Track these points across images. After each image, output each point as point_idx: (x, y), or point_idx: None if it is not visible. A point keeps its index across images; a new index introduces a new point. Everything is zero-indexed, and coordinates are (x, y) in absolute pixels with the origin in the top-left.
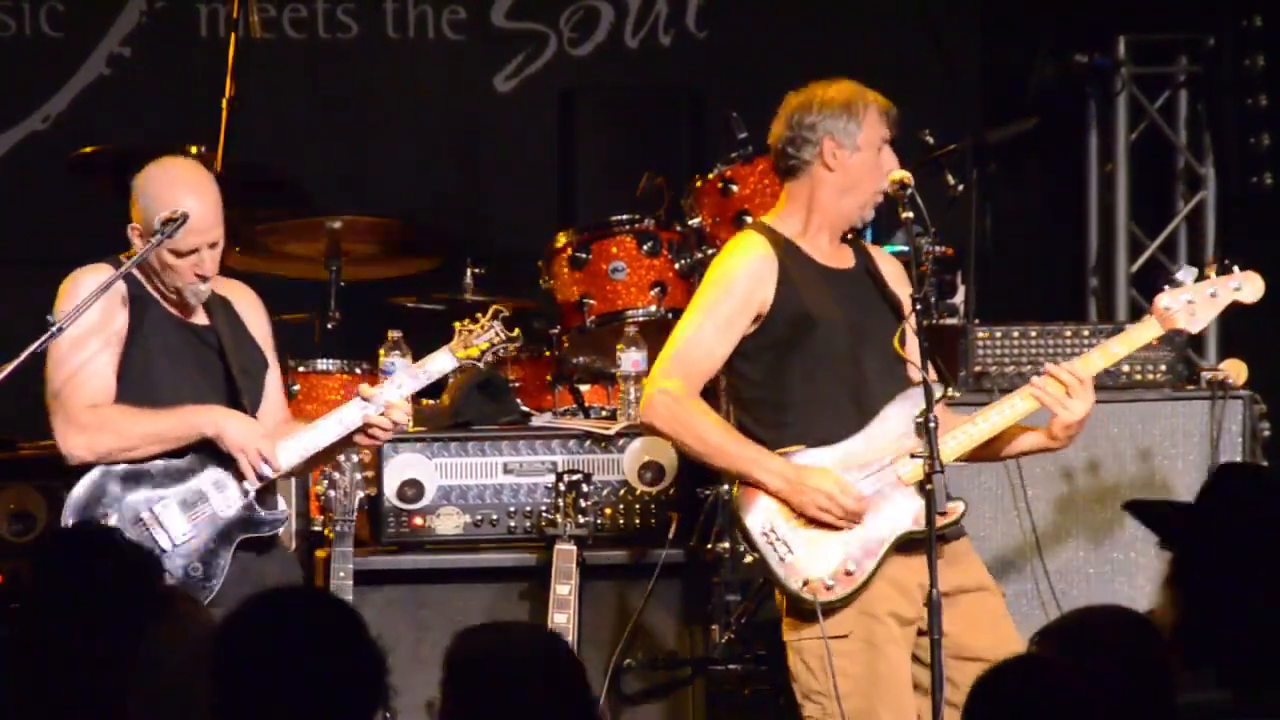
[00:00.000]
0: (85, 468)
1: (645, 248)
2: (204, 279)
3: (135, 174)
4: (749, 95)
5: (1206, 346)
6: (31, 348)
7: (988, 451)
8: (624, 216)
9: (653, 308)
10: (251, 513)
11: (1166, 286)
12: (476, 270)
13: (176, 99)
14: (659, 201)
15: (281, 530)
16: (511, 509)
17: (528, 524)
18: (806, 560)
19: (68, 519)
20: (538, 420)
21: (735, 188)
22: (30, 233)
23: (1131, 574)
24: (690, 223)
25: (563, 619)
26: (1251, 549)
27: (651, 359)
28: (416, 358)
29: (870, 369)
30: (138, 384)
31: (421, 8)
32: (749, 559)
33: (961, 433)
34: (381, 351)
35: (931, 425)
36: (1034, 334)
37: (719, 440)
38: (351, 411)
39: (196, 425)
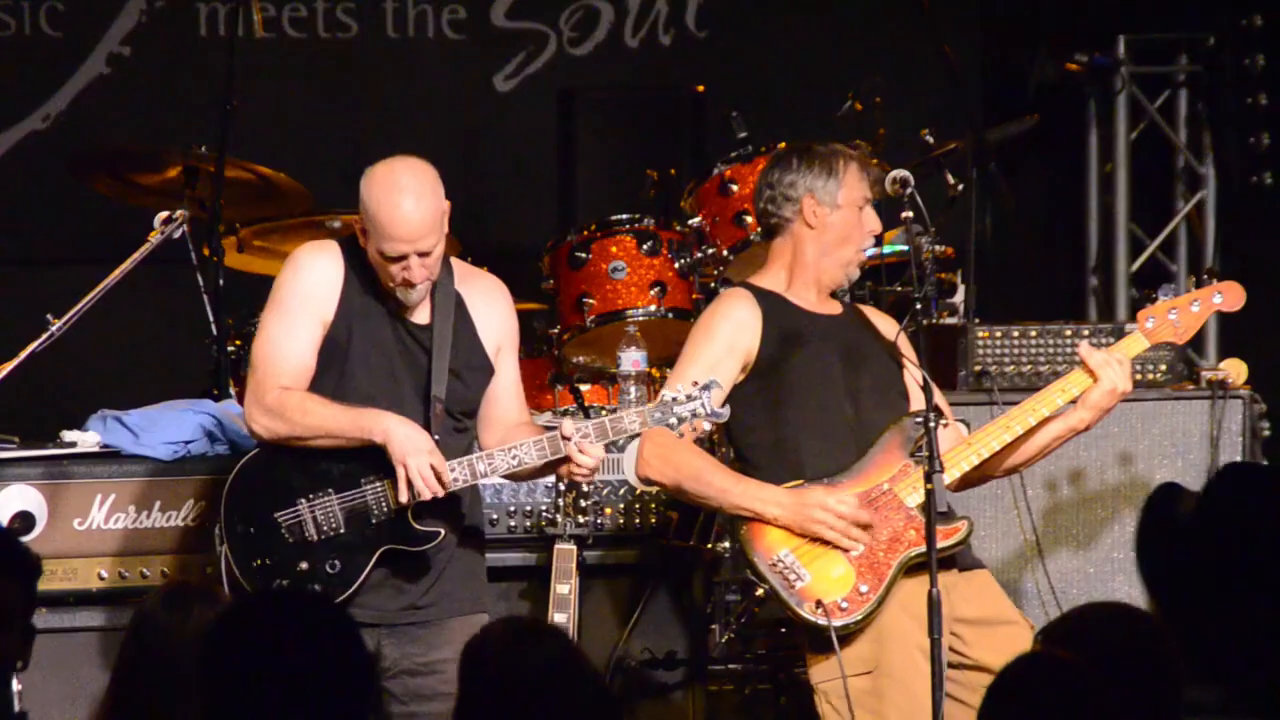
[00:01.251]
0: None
1: (645, 247)
2: (411, 285)
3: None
4: (749, 95)
5: (1206, 346)
6: (31, 347)
7: (1018, 456)
8: (624, 216)
9: (652, 307)
10: (403, 525)
11: (1148, 304)
12: None
13: (176, 99)
14: (663, 197)
15: (430, 547)
16: (511, 509)
17: (528, 524)
18: (817, 584)
19: (231, 488)
20: (538, 420)
21: (735, 187)
22: (30, 233)
23: (1131, 574)
24: (690, 222)
25: (563, 619)
26: (1257, 548)
27: (651, 358)
28: None
29: (865, 402)
30: (334, 372)
31: (421, 7)
32: (760, 592)
33: (1016, 423)
34: None
35: (932, 425)
36: (1034, 334)
37: (715, 479)
38: (528, 450)
39: (366, 429)
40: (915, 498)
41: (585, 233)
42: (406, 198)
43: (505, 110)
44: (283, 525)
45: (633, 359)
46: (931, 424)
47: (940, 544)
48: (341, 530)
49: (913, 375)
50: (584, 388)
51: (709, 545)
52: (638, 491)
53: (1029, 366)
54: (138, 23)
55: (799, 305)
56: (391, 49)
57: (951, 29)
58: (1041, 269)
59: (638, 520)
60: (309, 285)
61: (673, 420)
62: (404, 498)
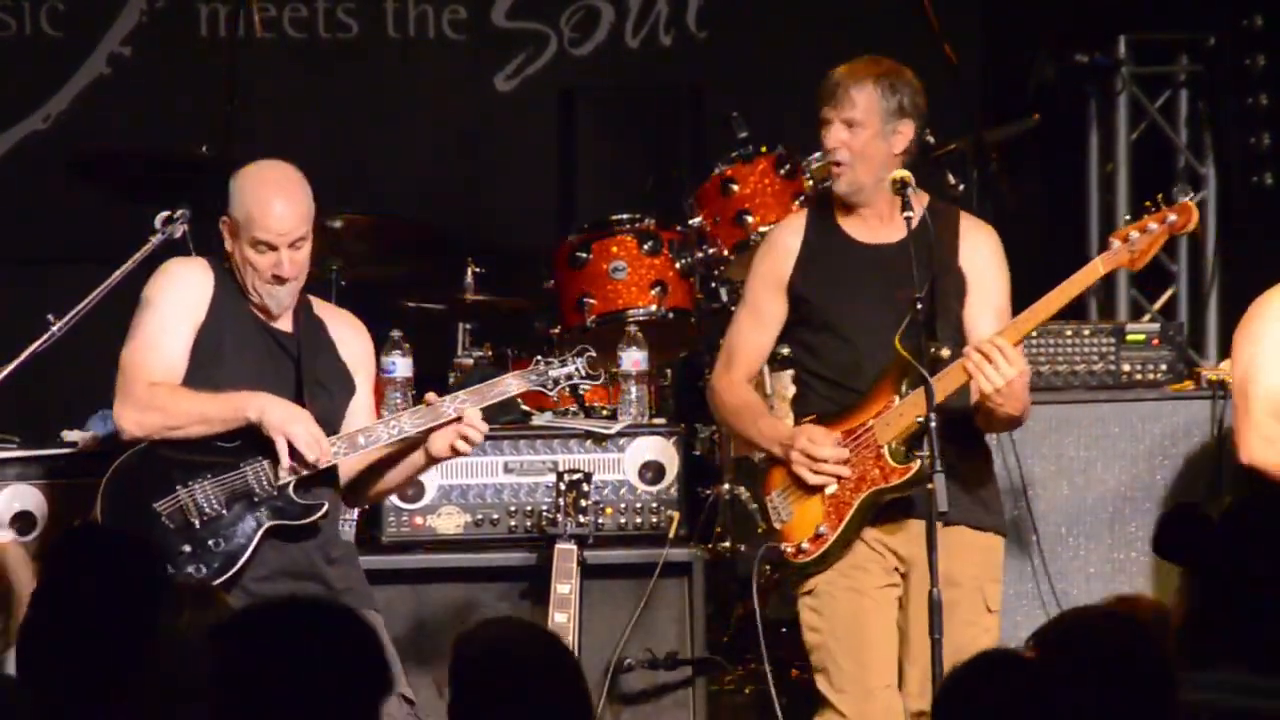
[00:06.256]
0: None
1: (646, 247)
2: (281, 281)
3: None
4: (749, 94)
5: (1207, 346)
6: (32, 348)
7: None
8: (624, 216)
9: (653, 307)
10: (286, 500)
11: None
12: (476, 270)
13: (176, 99)
14: (663, 197)
15: (317, 518)
16: (512, 508)
17: (528, 523)
18: (796, 523)
19: (106, 488)
20: (538, 420)
21: (736, 187)
22: (30, 233)
23: (1131, 574)
24: (690, 222)
25: (563, 619)
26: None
27: (652, 358)
28: (417, 358)
29: (870, 346)
30: (203, 372)
31: (422, 7)
32: (760, 529)
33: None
34: (382, 351)
35: (932, 425)
36: (1034, 334)
37: (737, 418)
38: (406, 420)
39: (240, 408)
40: (886, 434)
41: (585, 233)
42: (280, 188)
43: (505, 110)
44: (162, 514)
45: (633, 359)
46: (932, 423)
47: (893, 481)
48: (224, 512)
49: (921, 368)
50: (584, 388)
51: (709, 545)
52: (638, 491)
53: (1029, 366)
54: (138, 23)
55: (847, 233)
56: (392, 49)
57: (951, 29)
58: (1042, 269)
59: (638, 520)
60: (181, 290)
61: (548, 382)
62: (285, 463)
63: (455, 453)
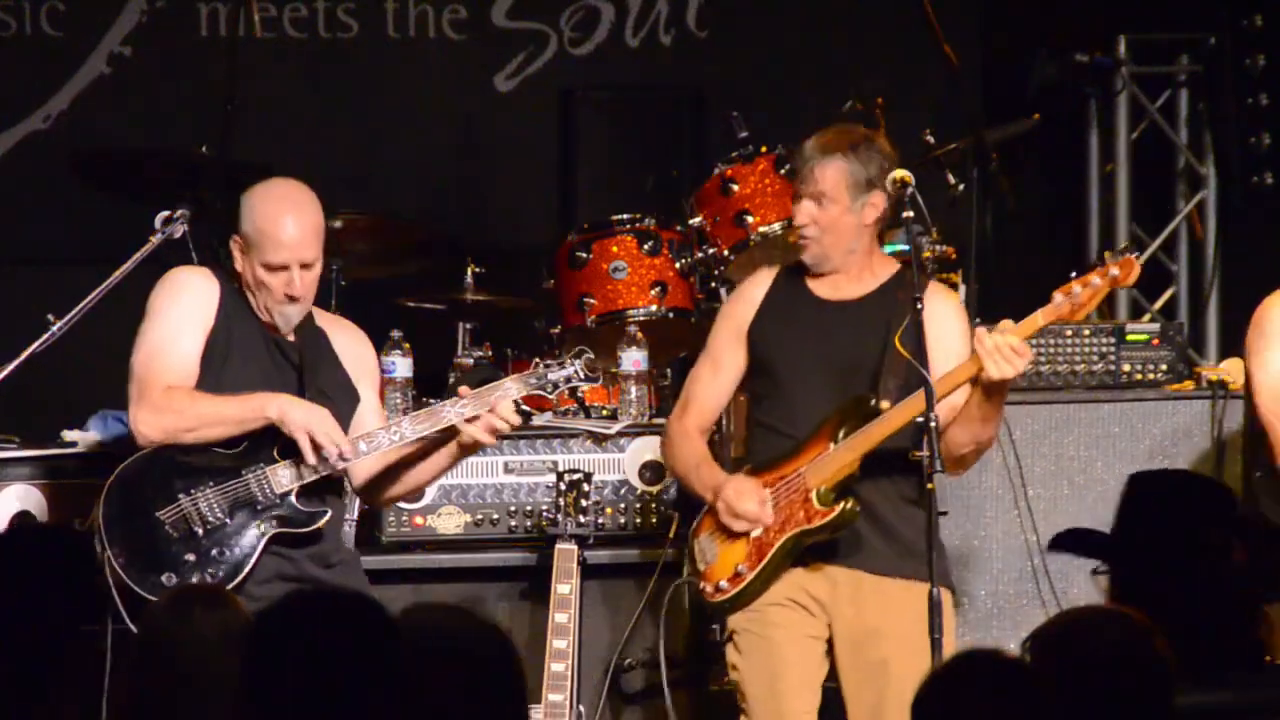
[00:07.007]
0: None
1: (646, 247)
2: (293, 299)
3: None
4: (749, 95)
5: (1207, 346)
6: (32, 347)
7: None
8: (624, 216)
9: (653, 307)
10: (289, 507)
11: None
12: (477, 270)
13: (176, 99)
14: (663, 197)
15: (320, 525)
16: (512, 508)
17: (528, 523)
18: (718, 565)
19: (108, 496)
20: (538, 420)
21: (736, 187)
22: (30, 233)
23: None
24: (690, 222)
25: (563, 618)
26: (1177, 550)
27: (652, 358)
28: (417, 358)
29: (814, 398)
30: (210, 378)
31: (422, 7)
32: (686, 569)
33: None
34: (382, 351)
35: (932, 425)
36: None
37: (681, 466)
38: (406, 425)
39: (260, 408)
40: (817, 478)
41: (585, 233)
42: (291, 206)
43: (505, 110)
44: (166, 523)
45: (633, 359)
46: (933, 424)
47: (816, 523)
48: (227, 520)
49: (919, 370)
50: (584, 388)
51: None
52: (638, 491)
53: (1029, 366)
54: (138, 23)
55: (808, 288)
56: (392, 49)
57: (951, 29)
58: (1041, 269)
59: (638, 520)
60: (190, 296)
61: (547, 385)
62: (311, 461)
63: (483, 443)
